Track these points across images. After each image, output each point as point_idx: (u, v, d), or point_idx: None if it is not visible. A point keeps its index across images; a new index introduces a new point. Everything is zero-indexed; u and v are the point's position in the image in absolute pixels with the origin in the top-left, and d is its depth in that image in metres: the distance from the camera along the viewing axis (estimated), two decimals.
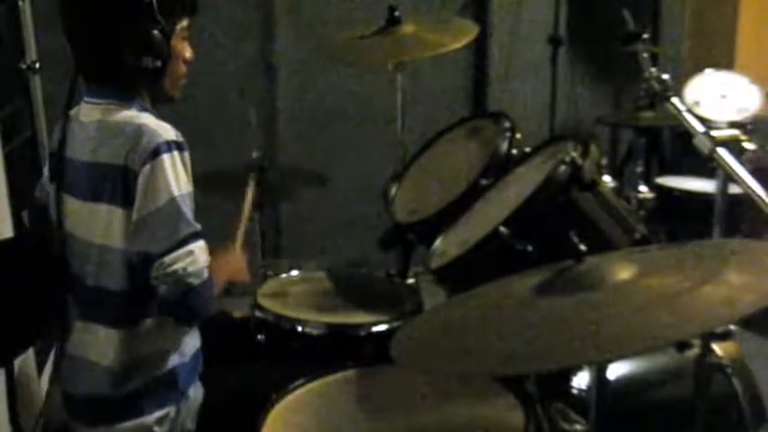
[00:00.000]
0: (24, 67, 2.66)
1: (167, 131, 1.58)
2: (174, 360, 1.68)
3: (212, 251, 1.68)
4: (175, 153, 1.57)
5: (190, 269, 1.55)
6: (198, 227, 1.59)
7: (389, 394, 1.62)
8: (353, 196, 3.66)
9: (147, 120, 1.60)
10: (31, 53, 2.84)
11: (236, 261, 1.87)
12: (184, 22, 1.67)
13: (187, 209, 1.57)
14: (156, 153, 1.54)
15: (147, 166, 1.54)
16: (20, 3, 2.77)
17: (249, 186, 2.17)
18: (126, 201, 1.57)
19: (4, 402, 1.90)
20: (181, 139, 1.60)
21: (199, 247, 1.58)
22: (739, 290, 1.06)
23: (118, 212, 1.59)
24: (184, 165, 1.59)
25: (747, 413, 1.69)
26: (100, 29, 1.61)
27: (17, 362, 1.88)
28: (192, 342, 1.73)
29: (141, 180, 1.55)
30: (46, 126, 2.82)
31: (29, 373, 2.24)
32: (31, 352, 1.94)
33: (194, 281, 1.56)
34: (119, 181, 1.57)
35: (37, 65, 2.66)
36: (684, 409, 1.46)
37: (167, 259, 1.54)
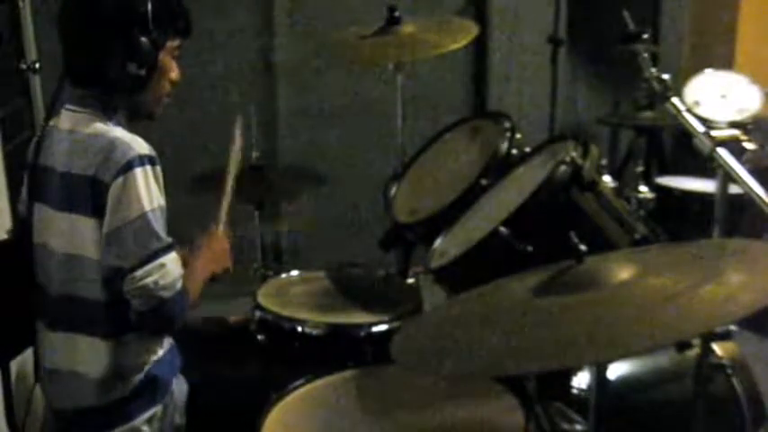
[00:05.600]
0: (24, 67, 2.66)
1: (140, 145, 1.59)
2: (151, 362, 1.69)
3: (194, 242, 1.68)
4: (148, 167, 1.57)
5: (161, 282, 1.55)
6: (169, 240, 1.60)
7: (389, 394, 1.62)
8: (353, 196, 3.66)
9: (121, 133, 1.61)
10: (31, 53, 2.83)
11: (219, 247, 1.84)
12: (176, 42, 1.69)
13: (158, 223, 1.58)
14: (128, 167, 1.55)
15: (119, 180, 1.55)
16: (20, 3, 2.77)
17: (234, 142, 2.04)
18: (96, 212, 1.58)
19: (0, 403, 1.90)
20: (153, 153, 1.60)
21: (170, 259, 1.58)
22: (739, 290, 1.06)
23: (89, 223, 1.59)
24: (156, 179, 1.59)
25: (747, 413, 1.69)
26: (91, 28, 1.62)
27: (14, 363, 1.88)
28: (164, 339, 1.74)
29: (112, 193, 1.55)
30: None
31: (27, 374, 2.24)
32: (29, 353, 1.94)
33: (166, 294, 1.56)
34: (88, 192, 1.58)
35: (37, 65, 2.66)
36: (684, 409, 1.46)
37: (138, 273, 1.55)
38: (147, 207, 1.56)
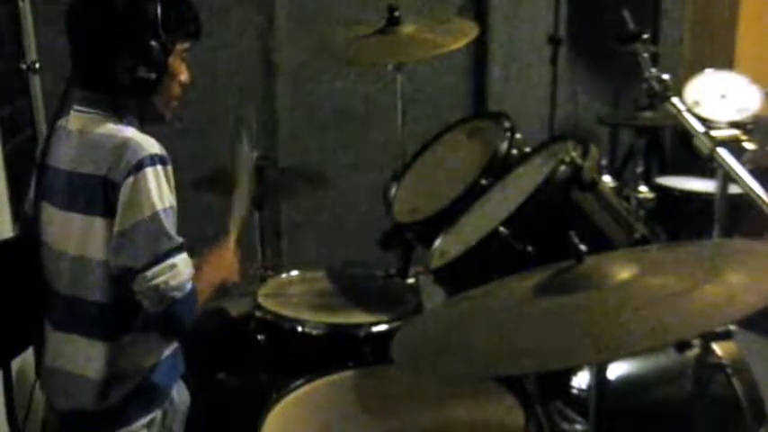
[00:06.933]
0: (24, 67, 2.66)
1: (151, 145, 1.59)
2: (150, 367, 1.68)
3: (206, 254, 1.68)
4: (159, 167, 1.57)
5: (172, 283, 1.55)
6: (180, 240, 1.59)
7: (389, 394, 1.62)
8: (353, 196, 3.66)
9: (132, 133, 1.60)
10: (31, 53, 2.83)
11: (228, 260, 1.83)
12: (186, 45, 1.69)
13: (169, 223, 1.57)
14: (139, 166, 1.55)
15: (131, 179, 1.54)
16: (20, 3, 2.77)
17: (238, 164, 2.04)
18: (106, 212, 1.57)
19: (1, 403, 1.90)
20: (164, 153, 1.60)
21: (182, 260, 1.58)
22: (739, 290, 1.06)
23: (97, 223, 1.59)
24: (167, 179, 1.59)
25: (747, 413, 1.69)
26: (102, 32, 1.62)
27: (15, 362, 1.88)
28: (167, 345, 1.73)
29: (124, 193, 1.55)
30: (46, 126, 2.82)
31: (28, 373, 2.24)
32: (30, 352, 1.94)
33: (177, 294, 1.56)
34: (99, 192, 1.57)
35: (37, 65, 2.66)
36: (684, 409, 1.46)
37: (149, 273, 1.54)
38: (159, 206, 1.55)
